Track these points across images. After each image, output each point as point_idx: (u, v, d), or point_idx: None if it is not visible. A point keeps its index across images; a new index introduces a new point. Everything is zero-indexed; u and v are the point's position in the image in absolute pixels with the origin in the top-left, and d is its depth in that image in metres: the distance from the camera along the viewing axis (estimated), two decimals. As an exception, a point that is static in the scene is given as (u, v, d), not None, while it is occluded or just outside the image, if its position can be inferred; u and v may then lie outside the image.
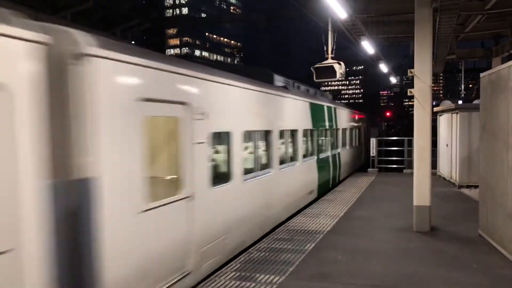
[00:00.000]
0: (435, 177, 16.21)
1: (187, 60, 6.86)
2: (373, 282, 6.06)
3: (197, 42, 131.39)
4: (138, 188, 4.74)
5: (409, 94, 9.20)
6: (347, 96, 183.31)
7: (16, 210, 3.42)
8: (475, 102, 16.88)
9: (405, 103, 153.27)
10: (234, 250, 7.40)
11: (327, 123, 14.93)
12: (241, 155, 7.73)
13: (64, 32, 4.02)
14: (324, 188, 14.39)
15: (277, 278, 6.19)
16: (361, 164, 23.05)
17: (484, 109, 8.19)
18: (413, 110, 9.51)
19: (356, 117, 22.53)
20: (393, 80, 29.31)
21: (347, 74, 11.92)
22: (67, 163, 3.99)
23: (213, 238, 6.55)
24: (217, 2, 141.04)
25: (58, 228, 3.82)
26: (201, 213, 6.13)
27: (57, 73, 3.91)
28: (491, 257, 7.16)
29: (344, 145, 18.13)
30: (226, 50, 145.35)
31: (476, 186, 12.08)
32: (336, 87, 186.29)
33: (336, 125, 16.44)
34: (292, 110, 11.18)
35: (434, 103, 13.66)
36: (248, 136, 8.27)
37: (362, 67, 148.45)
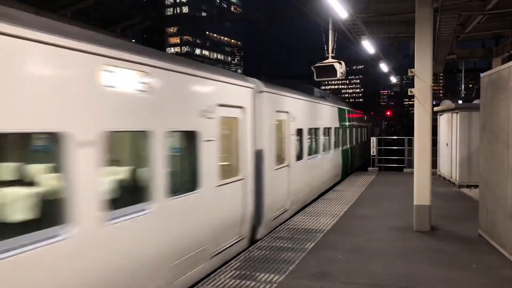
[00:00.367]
0: (435, 177, 16.23)
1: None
2: (373, 282, 6.08)
3: (198, 41, 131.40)
4: (274, 156, 9.34)
5: (409, 93, 9.22)
6: (347, 95, 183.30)
7: (246, 162, 7.96)
8: (475, 102, 16.90)
9: (405, 103, 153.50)
10: (302, 203, 11.77)
11: (347, 123, 19.09)
12: (307, 143, 12.11)
13: (256, 82, 8.69)
14: (345, 173, 18.20)
15: (277, 277, 6.20)
16: (368, 156, 23.54)
17: (485, 109, 8.21)
18: (413, 110, 9.52)
19: (365, 117, 27.47)
20: (393, 79, 29.31)
21: (347, 73, 12.04)
22: (257, 142, 8.48)
23: (296, 192, 10.98)
24: (218, 1, 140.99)
25: (255, 169, 8.36)
26: (291, 176, 10.53)
27: (255, 98, 8.43)
28: (490, 257, 7.18)
29: (357, 140, 22.22)
30: (226, 49, 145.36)
31: (476, 186, 12.10)
32: (336, 86, 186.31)
33: (352, 124, 20.65)
34: (328, 113, 15.42)
35: (434, 103, 13.66)
36: (308, 131, 12.29)
37: (362, 66, 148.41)
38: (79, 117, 4.09)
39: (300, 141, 11.54)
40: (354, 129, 21.06)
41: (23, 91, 3.59)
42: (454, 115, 15.14)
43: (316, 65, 11.94)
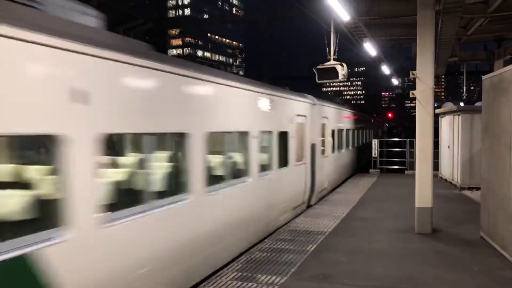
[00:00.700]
0: (437, 179, 16.22)
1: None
2: (374, 283, 6.08)
3: (199, 42, 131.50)
4: (320, 149, 12.93)
5: (411, 95, 9.22)
6: (348, 97, 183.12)
7: (307, 152, 11.87)
8: (477, 104, 16.88)
9: (407, 105, 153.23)
10: (333, 185, 15.40)
11: (359, 125, 22.92)
12: (336, 141, 15.84)
13: (312, 97, 12.38)
14: (357, 168, 21.14)
15: (278, 278, 6.21)
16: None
17: (486, 111, 8.21)
18: (414, 112, 9.53)
19: (372, 120, 31.61)
20: (395, 81, 29.30)
21: (349, 75, 12.16)
22: (312, 139, 12.17)
23: (331, 176, 14.80)
24: (220, 3, 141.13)
25: (310, 157, 12.11)
26: (329, 164, 14.33)
27: (311, 109, 12.32)
28: (492, 259, 7.17)
29: (365, 139, 25.64)
30: (228, 50, 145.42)
31: (477, 188, 12.10)
32: (337, 88, 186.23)
33: (362, 126, 24.39)
34: (347, 117, 19.14)
35: (435, 105, 13.65)
36: (337, 132, 16.08)
37: (364, 68, 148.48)
38: (253, 123, 8.28)
39: (333, 139, 15.32)
40: (364, 130, 24.99)
41: (238, 113, 7.71)
42: (456, 117, 15.14)
43: (318, 67, 11.95)
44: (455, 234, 8.89)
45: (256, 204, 8.38)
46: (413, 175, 9.53)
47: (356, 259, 7.15)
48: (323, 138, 13.56)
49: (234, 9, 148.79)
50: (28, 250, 3.52)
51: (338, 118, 16.48)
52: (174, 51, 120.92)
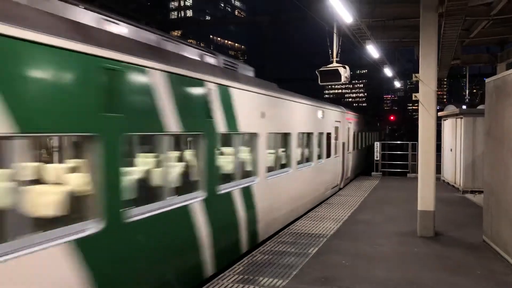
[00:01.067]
0: (439, 182, 16.17)
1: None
2: (376, 287, 6.05)
3: (202, 44, 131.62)
4: (347, 146, 17.66)
5: (413, 98, 9.19)
6: (350, 99, 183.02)
7: (340, 148, 16.29)
8: (480, 107, 16.83)
9: (409, 107, 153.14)
10: (352, 175, 19.01)
11: (369, 128, 26.55)
12: (355, 141, 19.71)
13: (343, 108, 17.56)
14: (365, 164, 23.81)
15: (280, 281, 6.18)
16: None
17: (489, 114, 8.18)
18: (417, 115, 9.50)
19: (378, 123, 36.21)
20: (397, 84, 29.28)
21: (351, 78, 12.20)
22: (342, 138, 16.75)
23: (351, 167, 18.75)
24: (222, 5, 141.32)
25: (342, 152, 16.70)
26: (351, 158, 18.64)
27: (342, 116, 17.12)
28: (495, 263, 7.14)
29: (372, 141, 27.97)
30: (230, 52, 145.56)
31: (480, 192, 12.05)
32: (339, 91, 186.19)
33: (371, 129, 27.92)
34: (361, 121, 22.24)
35: (438, 108, 13.66)
36: (356, 134, 20.11)
37: (366, 70, 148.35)
38: (314, 127, 12.51)
39: (353, 139, 19.06)
40: (372, 133, 28.35)
41: (308, 121, 12.06)
42: (459, 120, 15.10)
43: (321, 69, 11.94)
44: (457, 237, 8.85)
45: (316, 180, 12.87)
46: (415, 178, 9.49)
47: (358, 262, 7.12)
48: (347, 139, 17.81)
49: (236, 11, 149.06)
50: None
51: (356, 122, 20.21)
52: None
